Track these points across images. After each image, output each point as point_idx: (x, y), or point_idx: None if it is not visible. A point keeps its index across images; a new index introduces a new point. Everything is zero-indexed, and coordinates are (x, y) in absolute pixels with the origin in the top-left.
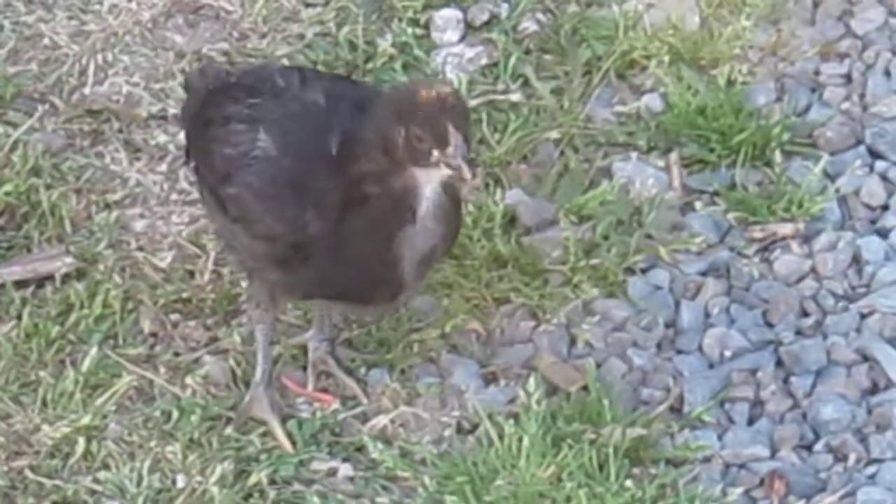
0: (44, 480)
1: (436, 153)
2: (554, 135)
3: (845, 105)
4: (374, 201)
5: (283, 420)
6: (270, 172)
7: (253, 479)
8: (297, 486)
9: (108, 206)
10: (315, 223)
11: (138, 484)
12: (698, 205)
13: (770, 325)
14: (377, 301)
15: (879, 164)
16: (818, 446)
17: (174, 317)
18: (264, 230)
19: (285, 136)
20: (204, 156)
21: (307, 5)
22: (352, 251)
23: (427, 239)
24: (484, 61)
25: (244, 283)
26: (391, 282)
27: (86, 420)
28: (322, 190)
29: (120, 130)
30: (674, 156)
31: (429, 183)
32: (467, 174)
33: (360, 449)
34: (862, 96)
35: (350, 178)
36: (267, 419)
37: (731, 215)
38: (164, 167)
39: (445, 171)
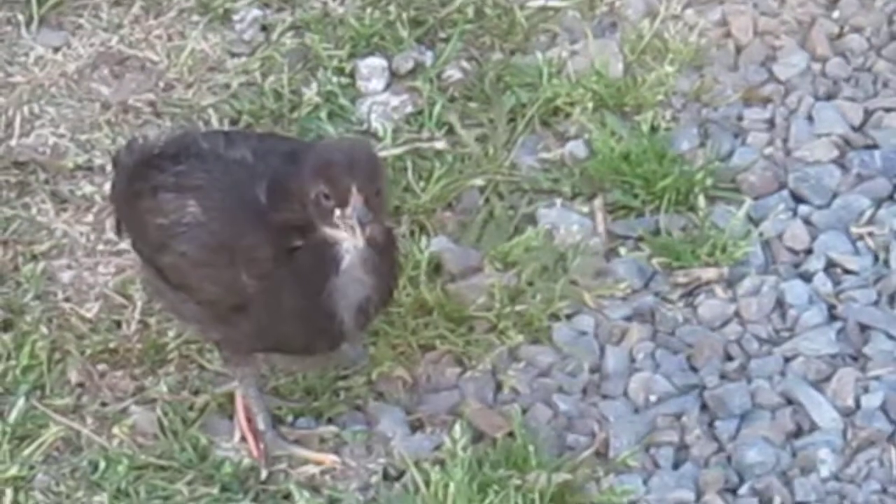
0: None
1: (338, 212)
2: (479, 182)
3: (768, 150)
4: (301, 253)
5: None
6: (202, 238)
7: None
8: None
9: (34, 258)
10: (251, 283)
11: None
12: (623, 250)
13: (695, 370)
14: (317, 352)
15: (803, 209)
16: (743, 490)
17: (101, 367)
18: (205, 296)
19: (213, 199)
20: (137, 229)
21: (232, 55)
22: (287, 303)
23: (359, 289)
24: (409, 109)
25: (171, 334)
26: (330, 332)
27: (13, 471)
28: (252, 247)
29: (46, 182)
30: (598, 202)
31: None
32: (358, 240)
33: (288, 496)
34: (785, 141)
35: (277, 228)
36: (291, 451)
37: (655, 260)
38: (90, 218)
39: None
